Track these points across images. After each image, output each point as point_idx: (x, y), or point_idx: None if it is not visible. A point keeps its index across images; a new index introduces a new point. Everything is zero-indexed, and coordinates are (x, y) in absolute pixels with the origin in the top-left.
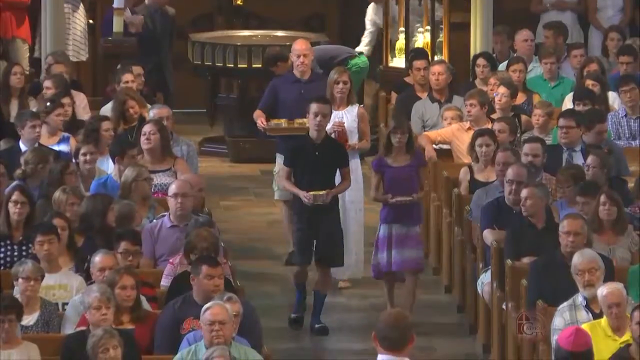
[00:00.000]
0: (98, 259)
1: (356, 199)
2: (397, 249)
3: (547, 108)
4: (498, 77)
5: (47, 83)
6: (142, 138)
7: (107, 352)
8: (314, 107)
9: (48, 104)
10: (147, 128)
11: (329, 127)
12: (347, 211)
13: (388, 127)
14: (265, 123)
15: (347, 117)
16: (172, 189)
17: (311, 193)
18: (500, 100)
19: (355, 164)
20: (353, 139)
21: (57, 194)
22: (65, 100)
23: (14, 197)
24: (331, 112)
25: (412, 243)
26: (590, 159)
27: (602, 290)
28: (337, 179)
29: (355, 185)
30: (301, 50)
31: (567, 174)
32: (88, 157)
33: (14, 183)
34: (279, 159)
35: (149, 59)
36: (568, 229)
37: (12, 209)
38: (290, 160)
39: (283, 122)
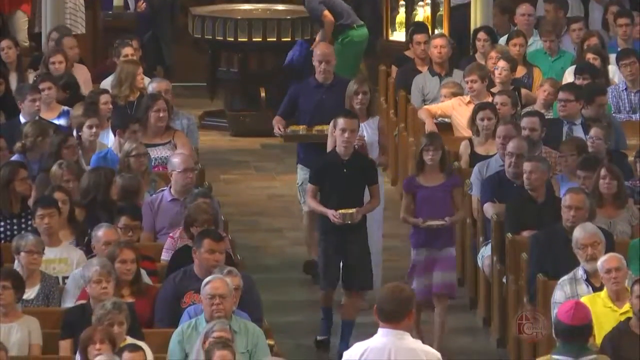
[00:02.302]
0: (101, 233)
1: (376, 217)
2: (430, 272)
3: (557, 86)
4: (499, 51)
5: (58, 57)
6: (155, 114)
7: (112, 327)
8: (341, 122)
9: (36, 77)
10: (160, 105)
11: None
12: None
13: (420, 144)
14: (282, 130)
15: (367, 130)
16: (179, 164)
17: (340, 211)
18: (500, 74)
19: None
20: (373, 153)
21: (54, 169)
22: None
23: (21, 174)
24: (359, 126)
25: (443, 266)
26: (593, 131)
27: (602, 258)
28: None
29: None
30: (323, 55)
31: (571, 143)
32: (94, 129)
33: (13, 158)
34: (301, 170)
35: (144, 33)
36: (570, 204)
37: (20, 185)
38: (317, 178)
39: (301, 129)
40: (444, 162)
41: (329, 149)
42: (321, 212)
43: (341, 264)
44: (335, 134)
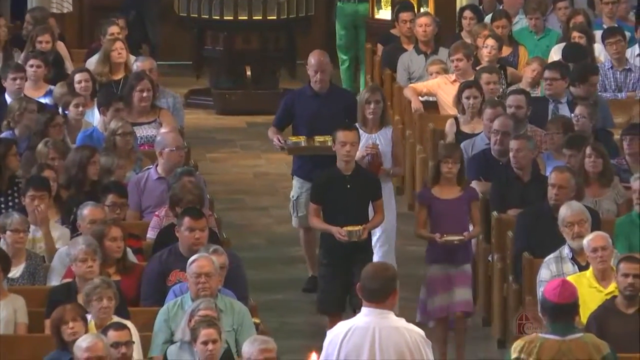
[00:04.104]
0: (87, 211)
1: (388, 231)
2: (453, 290)
3: (545, 65)
4: (490, 29)
5: (46, 37)
6: (139, 94)
7: (101, 302)
8: (340, 135)
9: (22, 56)
10: (144, 85)
11: (360, 152)
12: (377, 244)
13: (437, 155)
14: (282, 141)
15: (381, 140)
16: (171, 143)
17: (346, 229)
18: (490, 53)
19: (388, 191)
20: (387, 164)
21: (40, 147)
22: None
23: (13, 150)
24: (359, 138)
25: (462, 283)
26: (578, 109)
27: (588, 237)
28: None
29: (388, 215)
30: (319, 64)
31: (558, 122)
32: (81, 108)
33: (2, 135)
34: (296, 182)
35: (130, 11)
36: (554, 182)
37: (12, 161)
38: (319, 197)
39: (302, 141)
40: (461, 175)
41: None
42: (325, 231)
43: (348, 283)
44: (335, 148)
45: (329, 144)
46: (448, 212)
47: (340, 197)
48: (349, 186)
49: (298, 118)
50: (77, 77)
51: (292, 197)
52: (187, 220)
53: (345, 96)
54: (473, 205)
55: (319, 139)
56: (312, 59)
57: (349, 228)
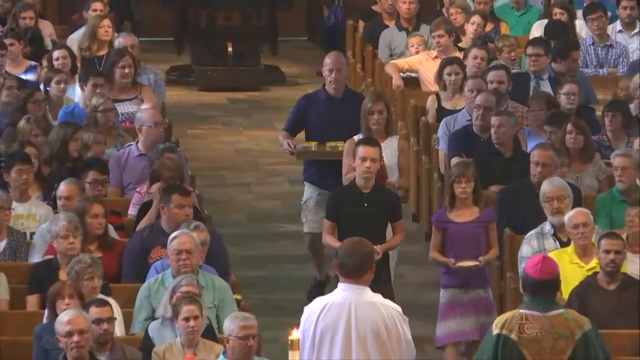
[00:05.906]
0: (62, 188)
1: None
2: (467, 316)
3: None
4: (458, 5)
5: (29, 13)
6: (121, 70)
7: (92, 281)
8: (360, 150)
9: (1, 32)
10: (125, 61)
11: None
12: None
13: (450, 175)
14: (292, 146)
15: (386, 151)
16: (150, 119)
17: None
18: (476, 30)
19: None
20: (392, 176)
21: (22, 124)
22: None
23: None
24: (381, 154)
25: (481, 309)
26: (569, 88)
27: (569, 214)
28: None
29: None
30: (334, 64)
31: (541, 98)
32: (62, 85)
33: None
34: (307, 187)
35: None
36: (537, 159)
37: None
38: (334, 214)
39: (313, 146)
40: (477, 194)
41: (344, 172)
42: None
43: None
44: (355, 164)
45: (340, 149)
46: (464, 236)
47: (357, 216)
48: (366, 205)
49: (311, 123)
50: (55, 54)
51: (302, 201)
52: (176, 197)
53: (360, 101)
54: (490, 227)
55: (330, 144)
56: (328, 59)
57: None
